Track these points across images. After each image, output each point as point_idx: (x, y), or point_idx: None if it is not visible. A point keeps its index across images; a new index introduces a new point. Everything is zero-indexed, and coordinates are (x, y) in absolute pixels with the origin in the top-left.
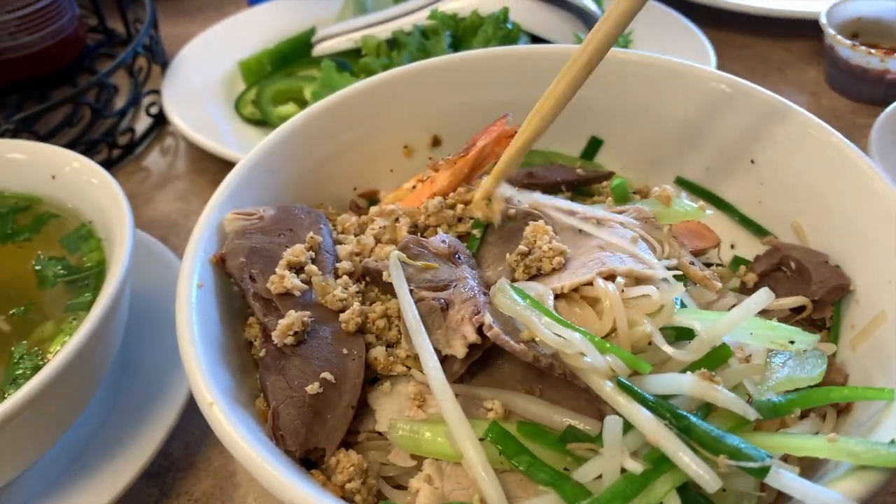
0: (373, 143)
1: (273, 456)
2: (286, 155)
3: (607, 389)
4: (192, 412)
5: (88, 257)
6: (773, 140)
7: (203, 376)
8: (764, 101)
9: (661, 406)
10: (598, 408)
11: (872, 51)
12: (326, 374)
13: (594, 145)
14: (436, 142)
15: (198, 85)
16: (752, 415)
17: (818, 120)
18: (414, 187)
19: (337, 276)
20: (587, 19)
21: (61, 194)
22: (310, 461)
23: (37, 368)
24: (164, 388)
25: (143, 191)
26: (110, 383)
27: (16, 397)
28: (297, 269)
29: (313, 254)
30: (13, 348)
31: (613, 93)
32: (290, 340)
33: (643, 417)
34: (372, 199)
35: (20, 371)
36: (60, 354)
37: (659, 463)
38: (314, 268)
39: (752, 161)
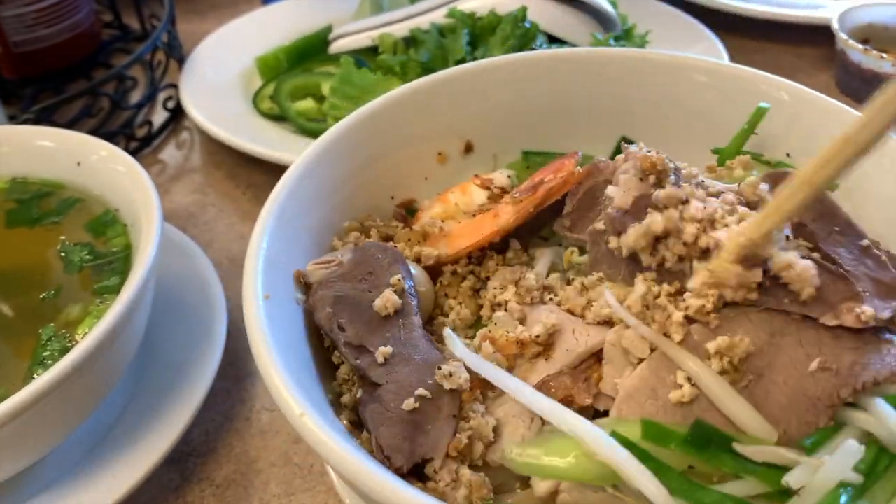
0: (407, 151)
1: (376, 465)
2: (327, 165)
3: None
4: (213, 397)
5: (114, 242)
6: (806, 133)
7: (287, 386)
8: (822, 106)
9: None
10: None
11: (884, 55)
12: (421, 391)
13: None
14: (468, 147)
15: (214, 80)
16: None
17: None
18: (474, 214)
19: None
20: (603, 20)
21: (86, 181)
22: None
23: (65, 350)
24: (185, 375)
25: (159, 182)
26: (133, 370)
27: (44, 378)
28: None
29: (399, 301)
30: (41, 331)
31: (649, 95)
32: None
33: None
34: (409, 207)
35: (48, 353)
36: (89, 337)
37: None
38: None
39: (788, 154)
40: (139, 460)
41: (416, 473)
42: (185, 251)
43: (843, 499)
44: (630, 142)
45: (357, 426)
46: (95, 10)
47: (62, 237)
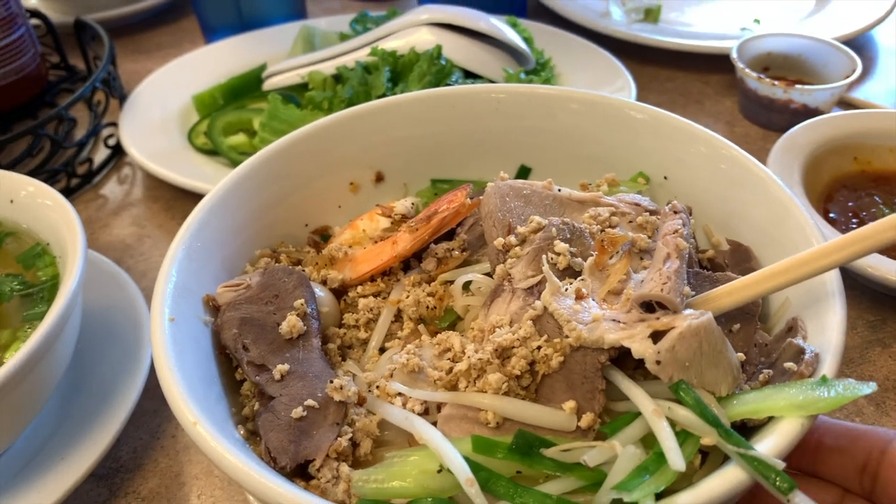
0: (321, 181)
1: (264, 468)
2: (241, 196)
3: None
4: (141, 416)
5: (43, 272)
6: (682, 158)
7: (183, 397)
8: (675, 125)
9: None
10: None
11: (776, 83)
12: (309, 401)
13: (524, 172)
14: (379, 177)
15: (154, 118)
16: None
17: (722, 138)
18: (375, 241)
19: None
20: (517, 56)
21: (19, 217)
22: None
23: None
24: (113, 397)
25: (99, 217)
26: (63, 395)
27: None
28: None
29: (303, 325)
30: None
31: (540, 124)
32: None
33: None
34: (323, 234)
35: None
36: (15, 357)
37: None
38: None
39: (665, 178)
40: (65, 477)
41: (301, 474)
42: (118, 281)
43: (645, 476)
44: (528, 169)
45: (254, 436)
46: (42, 53)
47: None
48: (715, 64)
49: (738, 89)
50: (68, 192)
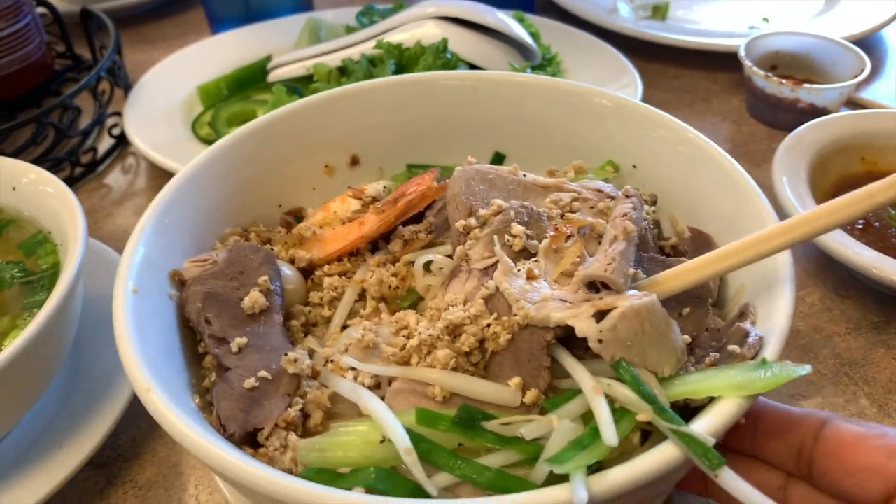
0: (296, 163)
1: (210, 434)
2: (214, 175)
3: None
4: (140, 406)
5: (44, 260)
6: (649, 146)
7: (138, 364)
8: (640, 112)
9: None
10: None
11: (784, 81)
12: (263, 373)
13: (498, 159)
14: (354, 161)
15: (158, 108)
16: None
17: (686, 125)
18: (343, 222)
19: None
20: (523, 51)
21: (21, 204)
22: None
23: None
24: (113, 384)
25: (103, 206)
26: (63, 383)
27: None
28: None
29: (266, 301)
30: None
31: (513, 112)
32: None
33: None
34: (297, 215)
35: None
36: (14, 344)
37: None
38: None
39: (634, 166)
40: (63, 465)
41: (250, 442)
42: None
43: (579, 451)
44: (502, 156)
45: (210, 406)
46: (48, 42)
47: None
48: (722, 62)
49: (745, 87)
50: (72, 181)
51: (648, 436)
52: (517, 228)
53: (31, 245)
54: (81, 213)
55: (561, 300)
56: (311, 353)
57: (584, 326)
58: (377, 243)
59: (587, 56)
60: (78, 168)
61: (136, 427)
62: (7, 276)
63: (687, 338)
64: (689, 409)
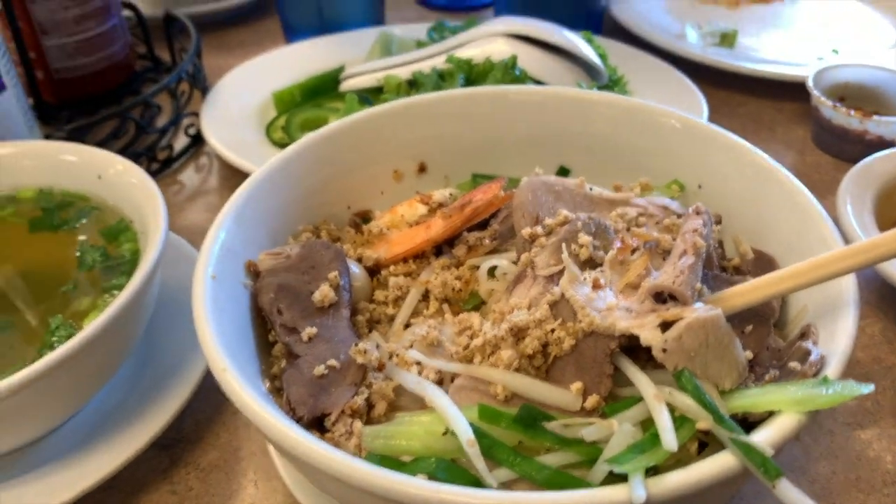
0: (365, 168)
1: (280, 415)
2: (288, 174)
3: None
4: (205, 392)
5: (125, 247)
6: (715, 166)
7: (215, 344)
8: (706, 132)
9: None
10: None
11: (852, 112)
12: (332, 361)
13: (563, 173)
14: (422, 168)
15: (233, 111)
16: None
17: (752, 147)
18: (410, 226)
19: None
20: (591, 70)
21: (105, 193)
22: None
23: (70, 336)
24: (182, 370)
25: (176, 202)
26: (134, 366)
27: (50, 357)
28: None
29: (335, 295)
30: (50, 320)
31: (579, 127)
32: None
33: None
34: (365, 217)
35: (56, 339)
36: (93, 324)
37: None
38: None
39: (700, 186)
40: (130, 443)
41: (318, 426)
42: (193, 263)
43: (638, 454)
44: (567, 170)
45: (279, 392)
46: (130, 43)
47: (81, 238)
48: (789, 92)
49: (811, 118)
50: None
51: (705, 447)
52: (584, 238)
53: (113, 232)
54: (163, 204)
55: (626, 310)
56: (377, 347)
57: (650, 336)
58: (442, 247)
59: (654, 79)
60: (154, 164)
61: (201, 412)
62: (89, 259)
63: (749, 353)
64: (747, 424)
